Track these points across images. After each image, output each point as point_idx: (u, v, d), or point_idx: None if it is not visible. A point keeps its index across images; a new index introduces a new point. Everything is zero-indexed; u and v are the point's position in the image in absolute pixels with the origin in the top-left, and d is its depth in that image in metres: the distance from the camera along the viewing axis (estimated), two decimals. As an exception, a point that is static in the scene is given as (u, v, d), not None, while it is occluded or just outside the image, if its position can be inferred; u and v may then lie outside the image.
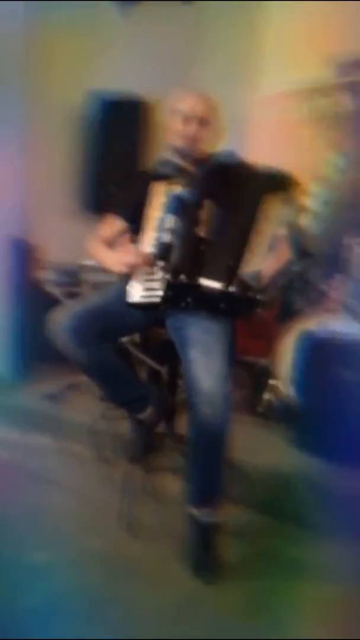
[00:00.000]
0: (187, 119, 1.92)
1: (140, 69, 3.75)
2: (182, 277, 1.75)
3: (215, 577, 1.73)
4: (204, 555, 1.77)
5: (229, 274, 1.74)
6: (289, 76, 3.68)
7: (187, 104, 1.94)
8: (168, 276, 1.75)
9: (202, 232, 1.78)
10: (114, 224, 2.04)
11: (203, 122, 1.92)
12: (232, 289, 1.74)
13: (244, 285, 1.74)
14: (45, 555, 1.80)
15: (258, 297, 1.75)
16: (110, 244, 2.04)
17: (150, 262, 1.80)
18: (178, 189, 1.81)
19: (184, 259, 1.76)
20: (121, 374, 1.95)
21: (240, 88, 3.54)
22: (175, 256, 1.77)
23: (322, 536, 1.95)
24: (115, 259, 1.89)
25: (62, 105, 3.81)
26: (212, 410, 1.68)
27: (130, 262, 1.81)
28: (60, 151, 3.90)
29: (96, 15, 3.90)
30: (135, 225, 1.96)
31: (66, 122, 3.90)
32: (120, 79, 3.71)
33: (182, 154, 1.97)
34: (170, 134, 1.97)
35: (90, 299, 2.04)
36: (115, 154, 3.72)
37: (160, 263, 1.78)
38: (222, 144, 2.03)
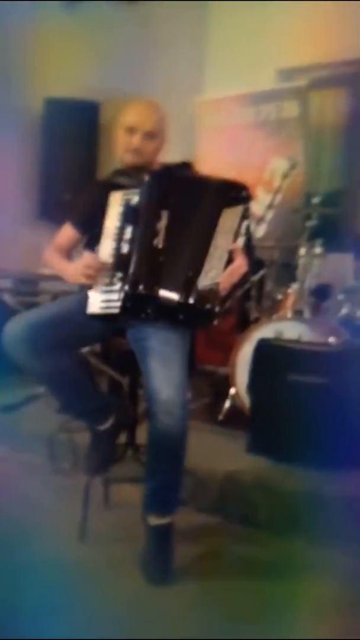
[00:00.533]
0: (131, 131, 1.89)
1: (82, 68, 3.73)
2: (141, 288, 1.75)
3: (167, 578, 1.74)
4: (157, 558, 1.78)
5: (188, 286, 1.74)
6: (235, 81, 3.75)
7: (131, 115, 1.91)
8: (127, 287, 1.75)
9: (160, 242, 1.78)
10: (69, 233, 2.02)
11: (148, 135, 1.89)
12: (191, 300, 1.74)
13: (203, 297, 1.74)
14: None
15: (216, 308, 1.76)
16: (66, 252, 2.03)
17: (107, 272, 1.79)
18: (135, 199, 1.80)
19: (142, 270, 1.75)
20: (79, 385, 1.93)
21: (186, 91, 3.58)
22: (133, 267, 1.76)
23: (271, 535, 2.01)
24: (73, 269, 1.87)
25: (13, 108, 3.76)
26: (170, 420, 1.70)
27: (87, 272, 1.79)
28: (15, 156, 3.85)
29: (39, 13, 3.86)
30: (90, 234, 1.95)
31: (18, 126, 3.85)
32: (67, 80, 3.70)
33: (129, 166, 1.95)
34: (118, 146, 1.95)
35: (46, 308, 2.01)
36: (68, 159, 3.70)
37: (119, 274, 1.77)
38: (168, 148, 2.02)
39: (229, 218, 1.79)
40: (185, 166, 2.03)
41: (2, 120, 3.70)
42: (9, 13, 3.56)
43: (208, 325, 1.81)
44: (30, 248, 3.52)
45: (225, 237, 1.78)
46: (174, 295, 1.74)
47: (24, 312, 1.92)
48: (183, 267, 1.76)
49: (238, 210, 1.80)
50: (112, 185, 1.90)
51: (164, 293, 1.75)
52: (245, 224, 1.82)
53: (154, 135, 1.91)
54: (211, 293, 1.75)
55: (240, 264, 1.81)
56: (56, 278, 2.69)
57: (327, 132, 3.94)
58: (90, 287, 1.82)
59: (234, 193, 1.82)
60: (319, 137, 3.86)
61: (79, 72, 3.72)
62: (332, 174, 3.95)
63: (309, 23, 3.62)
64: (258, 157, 3.70)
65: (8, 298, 2.87)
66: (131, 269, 1.75)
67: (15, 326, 1.80)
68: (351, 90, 3.89)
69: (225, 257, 1.78)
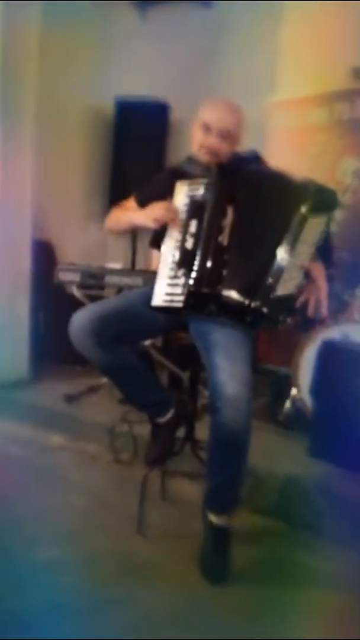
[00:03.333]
0: (208, 130, 1.87)
1: (157, 71, 3.78)
2: (204, 286, 1.71)
3: (223, 577, 1.72)
4: (214, 556, 1.76)
5: (263, 293, 1.67)
6: (306, 81, 3.69)
7: (208, 113, 1.89)
8: (190, 285, 1.72)
9: (225, 239, 1.72)
10: (132, 207, 2.03)
11: (224, 135, 1.87)
12: (264, 309, 1.67)
13: (276, 306, 1.68)
14: (53, 552, 1.81)
15: (288, 320, 1.71)
16: None
17: (172, 265, 1.77)
18: (200, 191, 1.76)
19: (206, 268, 1.71)
20: (141, 377, 1.94)
21: (258, 92, 3.55)
22: (197, 265, 1.73)
23: (333, 544, 1.93)
24: (146, 214, 1.84)
25: (80, 107, 3.84)
26: (235, 415, 1.65)
27: (162, 216, 1.78)
28: (82, 154, 3.96)
29: (114, 16, 3.95)
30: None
31: (86, 125, 3.95)
32: (137, 81, 3.75)
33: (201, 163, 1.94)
34: (193, 142, 1.93)
35: (111, 302, 2.01)
36: (138, 158, 3.75)
37: (183, 270, 1.75)
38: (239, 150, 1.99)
39: (314, 227, 1.70)
40: (255, 157, 1.98)
41: (75, 120, 3.83)
42: (82, 14, 3.66)
43: (274, 328, 1.79)
44: (98, 244, 3.63)
45: (308, 247, 1.72)
46: (241, 298, 1.69)
47: (90, 305, 1.93)
48: (257, 271, 1.70)
49: (324, 219, 1.73)
50: (181, 172, 1.89)
51: (228, 293, 1.71)
52: (327, 230, 1.76)
53: (229, 135, 1.88)
54: (286, 303, 1.70)
55: (322, 287, 1.77)
56: (121, 272, 2.76)
57: None
58: (154, 281, 1.82)
59: (322, 200, 1.72)
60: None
61: (150, 72, 3.77)
62: None
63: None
64: (330, 157, 3.62)
65: (76, 291, 2.94)
66: (195, 266, 1.73)
67: (82, 319, 1.81)
68: None
69: (305, 267, 1.74)
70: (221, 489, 1.77)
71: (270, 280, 1.68)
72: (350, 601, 1.68)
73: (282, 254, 1.68)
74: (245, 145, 2.00)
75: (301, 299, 1.78)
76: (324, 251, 1.82)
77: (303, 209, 1.67)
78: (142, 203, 1.99)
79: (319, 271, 1.81)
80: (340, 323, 2.62)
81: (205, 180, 1.76)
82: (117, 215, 2.07)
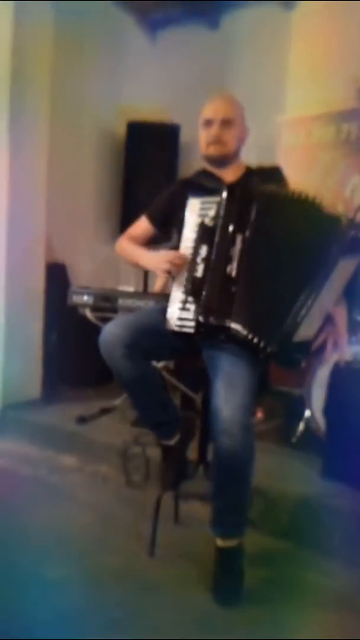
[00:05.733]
0: (208, 123, 1.90)
1: (166, 92, 3.84)
2: (212, 319, 1.67)
3: (234, 600, 1.71)
4: (223, 579, 1.75)
5: (281, 338, 1.60)
6: (314, 99, 3.73)
7: (207, 109, 1.93)
8: (200, 312, 1.70)
9: (233, 270, 1.65)
10: (145, 226, 2.03)
11: (225, 123, 1.88)
12: (271, 349, 1.61)
13: (287, 347, 1.60)
14: (62, 571, 1.80)
15: (299, 360, 1.67)
16: (139, 245, 2.02)
17: (182, 289, 1.74)
18: (211, 212, 1.69)
19: (214, 299, 1.67)
20: (159, 394, 1.93)
21: (266, 112, 3.59)
22: (205, 296, 1.68)
23: (345, 565, 1.92)
24: (156, 258, 1.84)
25: (91, 129, 3.90)
26: (231, 441, 1.63)
27: (169, 267, 1.75)
28: (94, 176, 4.00)
29: (123, 39, 4.01)
30: (163, 232, 1.96)
31: (98, 146, 4.00)
32: (146, 103, 3.81)
33: (212, 160, 1.94)
34: (201, 145, 1.95)
35: (143, 316, 1.95)
36: (149, 180, 3.79)
37: (192, 299, 1.72)
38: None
39: (344, 270, 1.57)
40: (274, 173, 1.95)
41: (86, 142, 3.89)
42: (92, 37, 3.73)
43: (292, 368, 1.74)
44: (110, 266, 3.66)
45: (334, 291, 1.62)
46: (250, 335, 1.63)
47: (122, 316, 1.92)
48: (271, 310, 1.64)
49: (355, 262, 1.58)
50: (193, 185, 1.88)
51: (236, 327, 1.65)
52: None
53: (231, 122, 1.89)
54: (302, 345, 1.65)
55: (343, 334, 1.73)
56: (134, 295, 2.77)
57: None
58: (167, 301, 1.82)
59: (357, 237, 1.56)
60: None
61: (160, 93, 3.83)
62: None
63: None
64: (338, 176, 3.65)
65: (89, 314, 2.97)
66: (203, 297, 1.69)
67: (116, 329, 1.78)
68: None
69: (327, 311, 1.67)
70: (224, 513, 1.76)
71: (289, 325, 1.60)
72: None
73: (304, 298, 1.57)
74: (255, 163, 2.01)
75: (319, 340, 1.72)
76: (351, 292, 1.72)
77: (334, 249, 1.53)
78: (156, 221, 2.00)
79: (341, 317, 1.75)
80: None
81: (217, 199, 1.70)
82: (125, 248, 2.05)
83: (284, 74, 3.87)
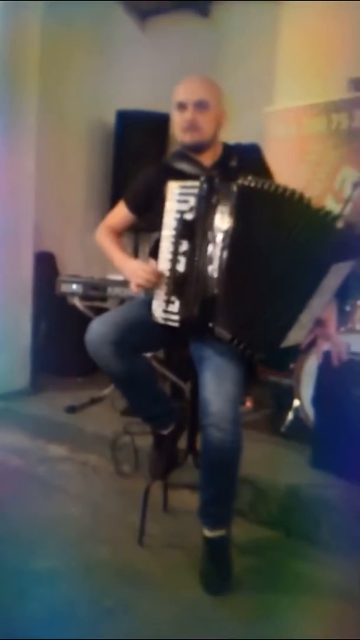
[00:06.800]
0: (183, 107, 1.77)
1: (156, 81, 3.79)
2: (195, 318, 1.63)
3: (222, 589, 1.72)
4: (211, 568, 1.76)
5: (270, 345, 1.56)
6: (304, 91, 3.72)
7: (180, 91, 1.79)
8: (182, 313, 1.66)
9: (214, 272, 1.60)
10: (123, 213, 1.98)
11: (198, 105, 1.75)
12: (259, 356, 1.60)
13: (276, 353, 1.57)
14: (51, 561, 1.81)
15: (288, 363, 1.69)
16: (118, 233, 2.00)
17: (165, 286, 1.69)
18: (190, 204, 1.60)
19: (194, 298, 1.63)
20: (151, 387, 1.92)
21: (256, 102, 3.58)
22: (186, 295, 1.64)
23: (334, 554, 1.94)
24: (132, 269, 1.77)
25: (80, 118, 3.86)
26: (220, 434, 1.63)
27: (143, 283, 1.71)
28: (83, 165, 3.97)
29: (113, 27, 3.97)
30: (141, 217, 1.91)
31: (87, 136, 3.96)
32: (136, 91, 3.78)
33: (188, 148, 1.83)
34: (175, 130, 1.83)
35: (128, 310, 1.91)
36: (139, 169, 3.76)
37: (175, 296, 1.66)
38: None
39: (337, 273, 1.49)
40: (253, 154, 1.86)
41: (75, 131, 3.85)
42: (81, 25, 3.68)
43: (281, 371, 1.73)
44: (99, 255, 3.64)
45: (325, 296, 1.56)
46: (235, 339, 1.60)
47: (107, 313, 1.86)
48: (242, 307, 1.60)
49: (348, 265, 1.51)
50: (171, 170, 1.79)
51: (219, 330, 1.62)
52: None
53: (206, 104, 1.76)
54: (290, 350, 1.62)
55: (333, 334, 1.72)
56: (124, 283, 2.76)
57: None
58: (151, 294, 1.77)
59: (351, 240, 1.49)
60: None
61: (149, 82, 3.80)
62: None
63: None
64: (328, 167, 3.65)
65: (78, 303, 2.95)
66: (185, 298, 1.64)
67: (102, 327, 1.76)
68: None
69: (317, 315, 1.63)
70: (211, 504, 1.77)
71: (276, 333, 1.56)
72: (349, 609, 1.68)
73: (293, 305, 1.52)
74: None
75: (307, 341, 1.69)
76: (341, 291, 1.64)
77: (326, 254, 1.44)
78: (134, 208, 1.94)
79: (329, 315, 1.71)
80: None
81: (196, 184, 1.60)
82: (104, 243, 1.99)
83: (274, 64, 3.85)
